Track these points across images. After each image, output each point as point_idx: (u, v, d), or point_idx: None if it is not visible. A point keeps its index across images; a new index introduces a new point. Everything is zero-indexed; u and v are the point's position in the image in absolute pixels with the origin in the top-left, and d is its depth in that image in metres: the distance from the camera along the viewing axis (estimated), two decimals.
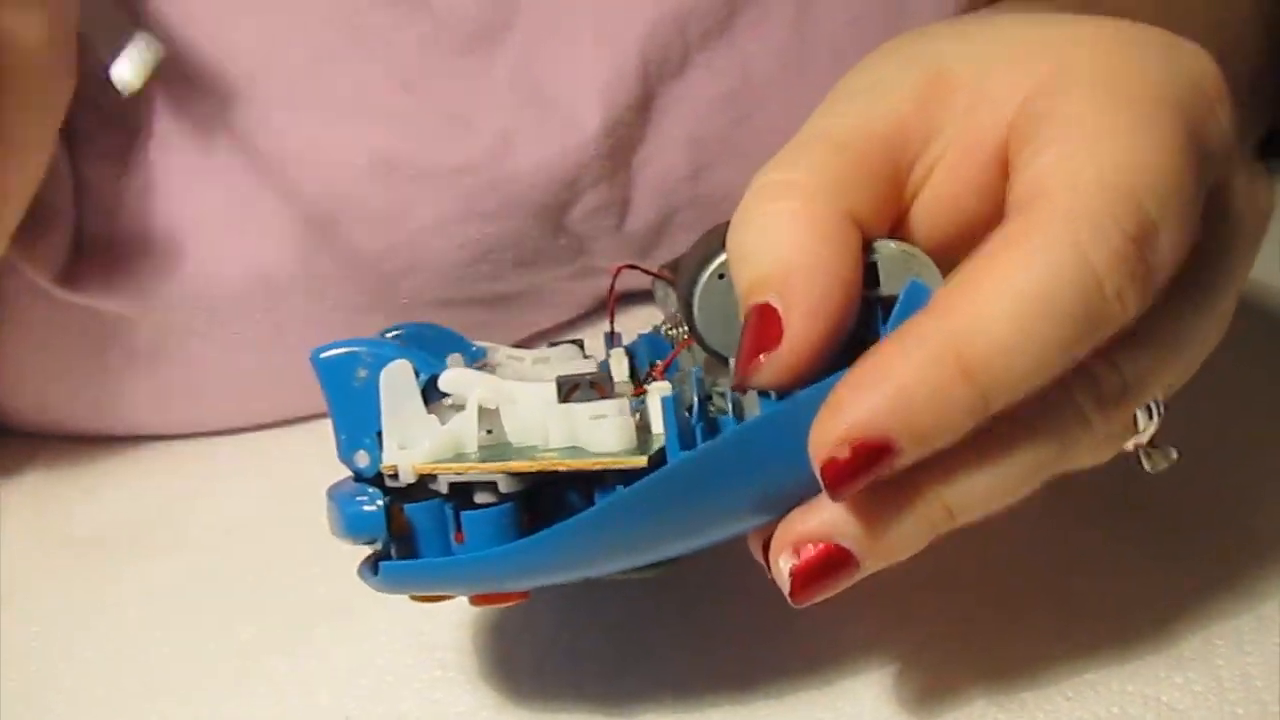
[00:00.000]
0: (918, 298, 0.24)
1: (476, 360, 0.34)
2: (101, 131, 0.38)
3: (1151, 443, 0.27)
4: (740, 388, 0.25)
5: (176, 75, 0.38)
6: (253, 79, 0.39)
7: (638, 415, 0.27)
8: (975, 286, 0.23)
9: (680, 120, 0.41)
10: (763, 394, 0.25)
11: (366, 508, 0.26)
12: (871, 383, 0.23)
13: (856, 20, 0.41)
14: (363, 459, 0.27)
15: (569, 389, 0.27)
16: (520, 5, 0.40)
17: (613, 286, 0.35)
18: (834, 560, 0.25)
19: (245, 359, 0.41)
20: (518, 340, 0.43)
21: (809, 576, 0.25)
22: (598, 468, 0.25)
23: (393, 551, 0.27)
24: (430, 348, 0.34)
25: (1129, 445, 0.27)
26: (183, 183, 0.39)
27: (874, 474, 0.23)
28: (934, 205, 0.27)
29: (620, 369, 0.34)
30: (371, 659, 0.32)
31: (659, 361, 0.30)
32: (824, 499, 0.24)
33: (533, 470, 0.26)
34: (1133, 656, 0.29)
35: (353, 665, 0.32)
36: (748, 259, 0.25)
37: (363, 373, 0.28)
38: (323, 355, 0.28)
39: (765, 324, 0.24)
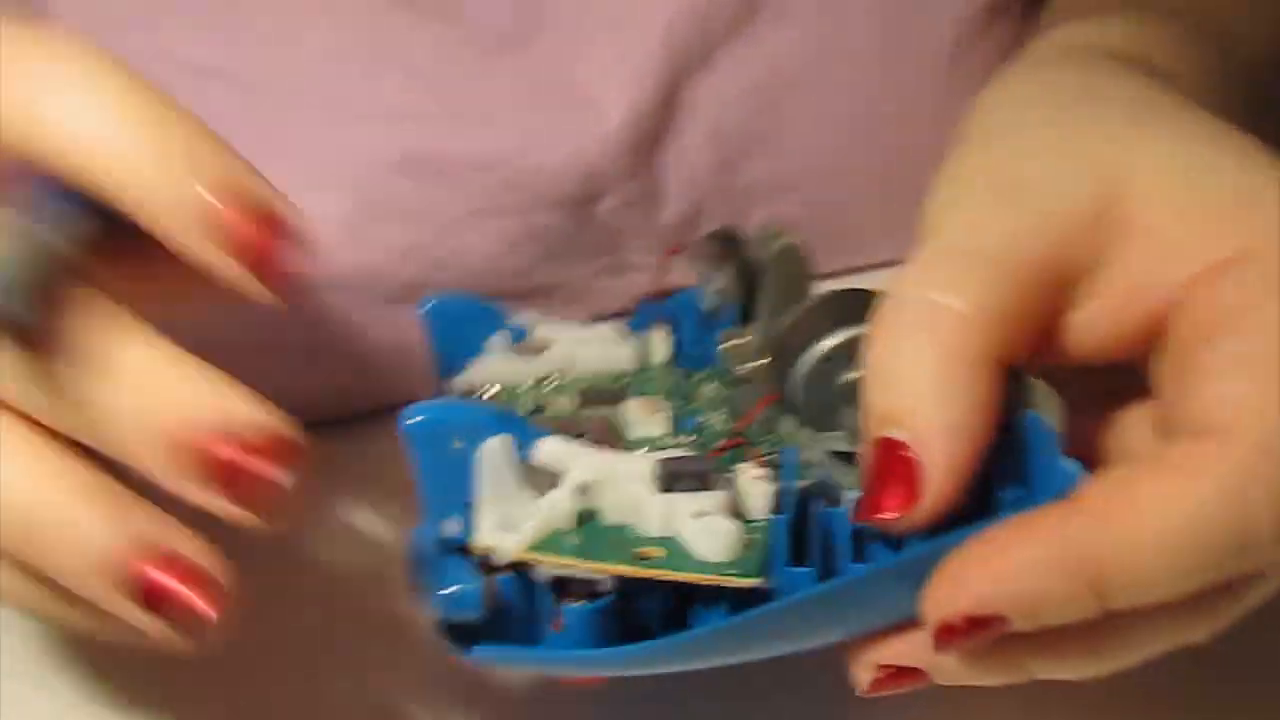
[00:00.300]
0: (1067, 480, 0.24)
1: (519, 341, 0.34)
2: None
3: None
4: (858, 521, 0.25)
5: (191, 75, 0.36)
6: (271, 80, 0.37)
7: (728, 488, 0.27)
8: (1132, 504, 0.23)
9: (707, 113, 0.41)
10: None
11: (464, 589, 0.26)
12: (999, 570, 0.24)
13: (880, 9, 0.40)
14: (454, 527, 0.27)
15: (670, 480, 0.27)
16: (544, 6, 0.39)
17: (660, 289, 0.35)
18: (913, 679, 0.26)
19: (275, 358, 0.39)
20: None
21: (885, 687, 0.26)
22: (707, 581, 0.26)
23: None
24: (468, 322, 0.33)
25: None
26: None
27: (983, 639, 0.24)
28: (1075, 334, 0.26)
29: (663, 346, 0.34)
30: None
31: (735, 426, 0.30)
32: (919, 635, 0.25)
33: (634, 574, 0.26)
34: None
35: None
36: (891, 387, 0.25)
37: (458, 443, 0.27)
38: (411, 423, 0.27)
39: (903, 472, 0.24)
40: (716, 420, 0.31)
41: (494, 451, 0.26)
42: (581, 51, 0.40)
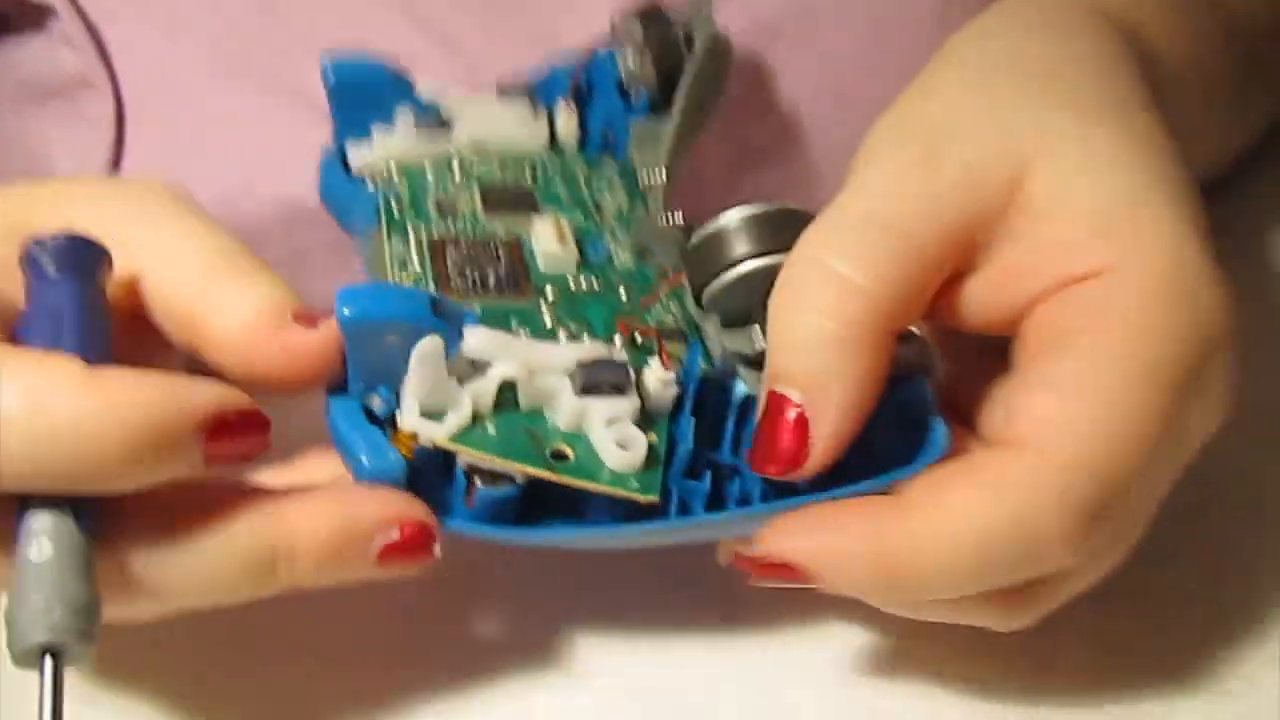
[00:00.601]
0: (935, 449, 0.27)
1: (428, 116, 0.33)
2: None
3: None
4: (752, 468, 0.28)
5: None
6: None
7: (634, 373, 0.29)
8: (941, 508, 0.26)
9: None
10: None
11: (388, 461, 0.28)
12: (814, 547, 0.26)
13: None
14: (377, 402, 0.28)
15: (587, 384, 0.28)
16: None
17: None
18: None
19: None
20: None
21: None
22: (609, 493, 0.28)
23: None
24: (374, 93, 0.32)
25: None
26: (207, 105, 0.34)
27: (784, 584, 0.27)
28: (963, 302, 0.28)
29: (569, 125, 0.34)
30: None
31: (643, 301, 0.31)
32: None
33: (544, 477, 0.28)
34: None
35: None
36: (790, 349, 0.27)
37: (392, 338, 0.27)
38: (347, 313, 0.27)
39: (792, 429, 0.27)
40: (621, 255, 0.32)
41: (426, 352, 0.27)
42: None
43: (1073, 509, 0.26)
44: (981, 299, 0.28)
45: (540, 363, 0.28)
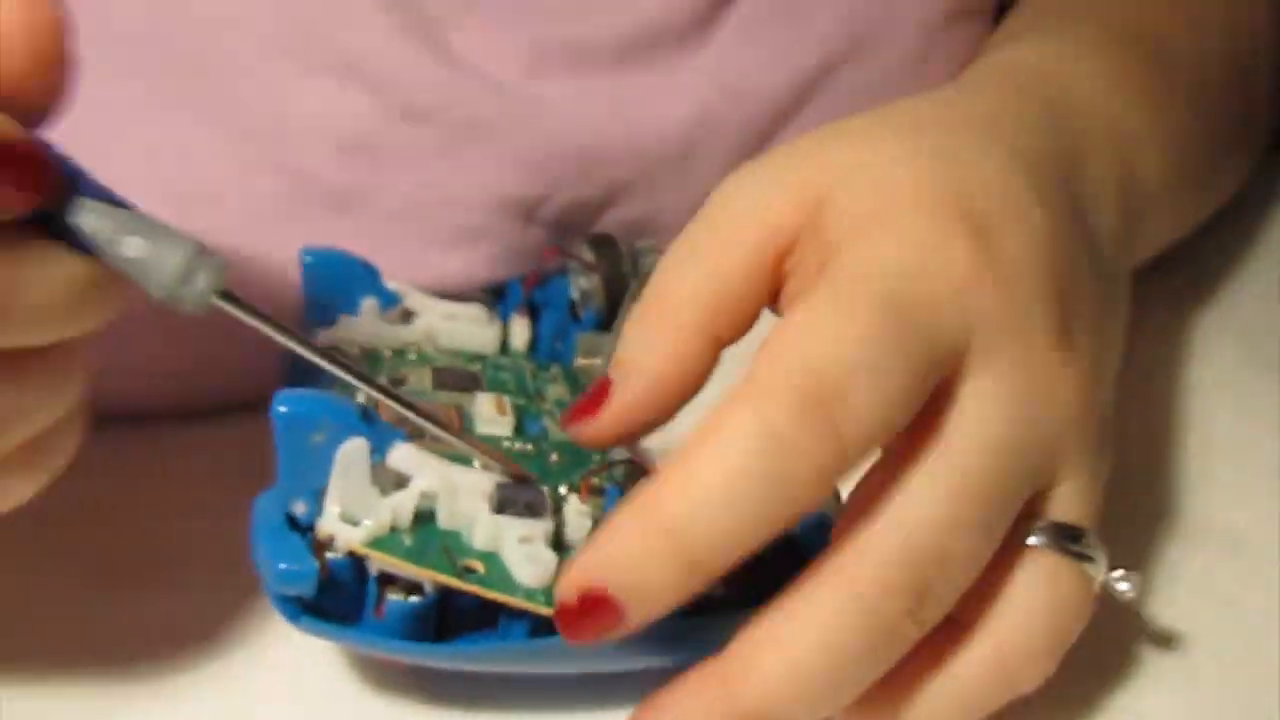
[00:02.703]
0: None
1: (390, 306, 0.36)
2: None
3: (1110, 577, 0.30)
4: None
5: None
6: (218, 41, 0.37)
7: (552, 518, 0.30)
8: (686, 456, 0.26)
9: (666, 115, 0.41)
10: None
11: (303, 568, 0.29)
12: (595, 543, 0.27)
13: (847, 16, 0.41)
14: (300, 508, 0.29)
15: (504, 503, 0.30)
16: None
17: (533, 274, 0.37)
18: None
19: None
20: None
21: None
22: (514, 605, 0.29)
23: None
24: (344, 283, 0.35)
25: (1097, 587, 0.29)
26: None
27: (602, 629, 0.27)
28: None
29: (521, 334, 0.37)
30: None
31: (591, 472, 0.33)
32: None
33: (455, 587, 0.29)
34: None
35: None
36: (625, 343, 0.30)
37: (319, 437, 0.29)
38: (282, 409, 0.29)
39: (596, 397, 0.30)
40: (556, 429, 0.34)
41: (350, 451, 0.29)
42: None
43: (792, 393, 0.26)
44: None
45: (461, 482, 0.30)
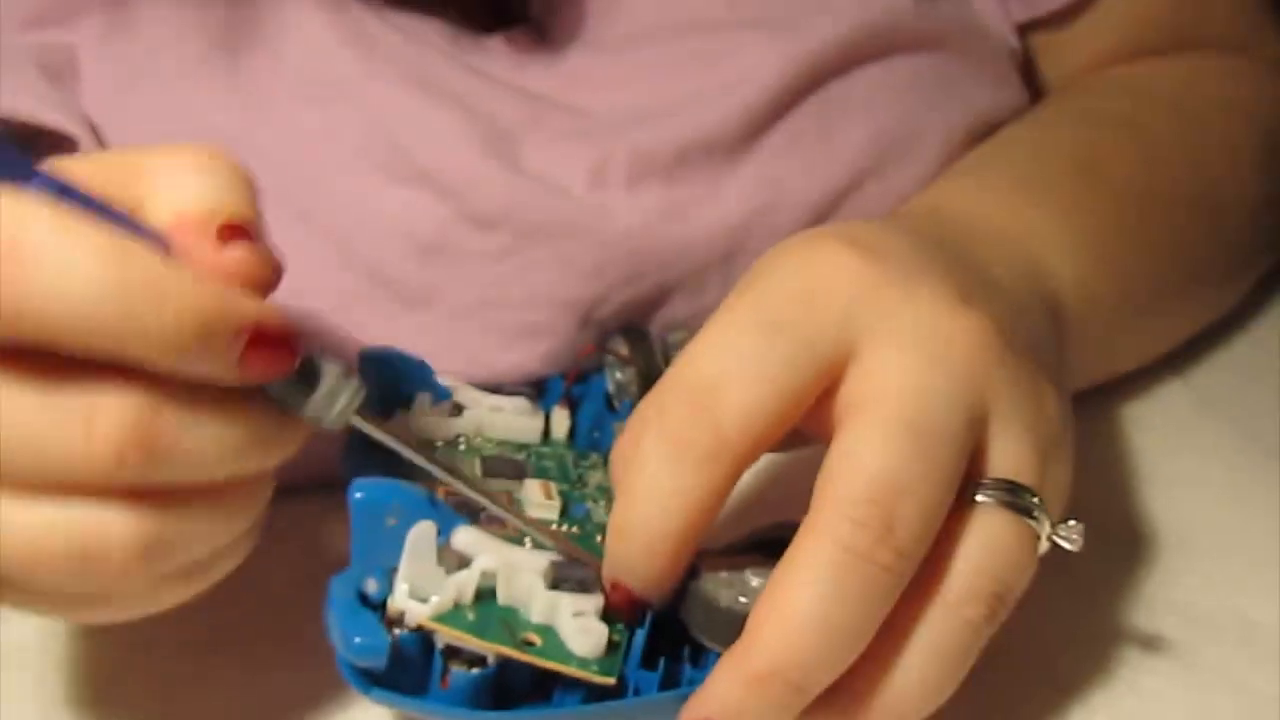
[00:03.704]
0: None
1: (442, 401, 0.39)
2: None
3: (1056, 531, 0.33)
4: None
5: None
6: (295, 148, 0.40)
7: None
8: (771, 609, 0.30)
9: (697, 222, 0.43)
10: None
11: (375, 642, 0.31)
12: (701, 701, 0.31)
13: (874, 139, 0.44)
14: (372, 586, 0.32)
15: (558, 580, 0.32)
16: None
17: (573, 370, 0.40)
18: None
19: None
20: None
21: None
22: (570, 674, 0.31)
23: None
24: (399, 379, 0.38)
25: (1044, 544, 0.33)
26: None
27: None
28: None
29: (562, 424, 0.40)
30: None
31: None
32: None
33: (517, 658, 0.31)
34: None
35: None
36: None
37: (392, 520, 0.32)
38: (358, 495, 0.32)
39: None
40: (600, 511, 0.37)
41: (420, 534, 0.32)
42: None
43: (862, 526, 0.30)
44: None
45: (518, 561, 0.33)
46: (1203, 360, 0.51)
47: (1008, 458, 0.32)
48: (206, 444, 0.29)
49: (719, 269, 0.43)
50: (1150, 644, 0.38)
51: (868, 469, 0.30)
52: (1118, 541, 0.41)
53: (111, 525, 0.28)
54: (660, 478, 0.31)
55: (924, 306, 0.32)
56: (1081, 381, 0.42)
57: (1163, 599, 0.40)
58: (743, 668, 0.30)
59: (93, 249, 0.26)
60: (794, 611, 0.30)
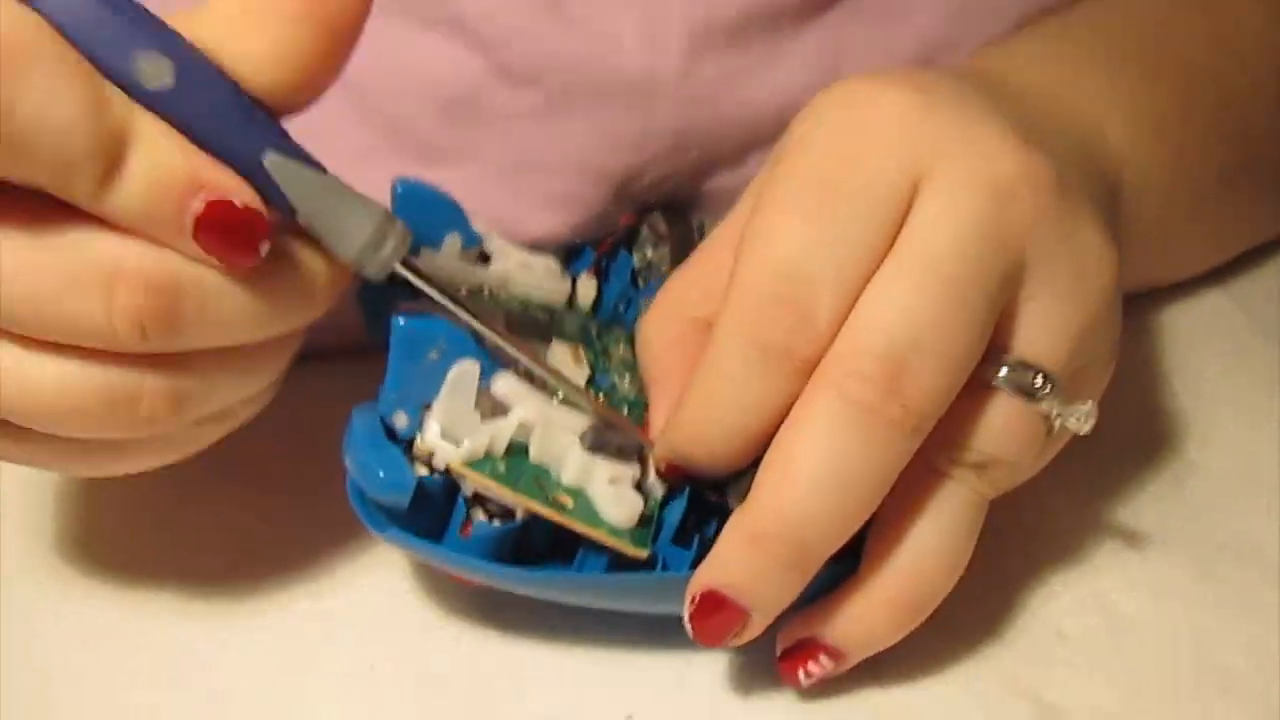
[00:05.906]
0: None
1: (472, 246, 0.37)
2: None
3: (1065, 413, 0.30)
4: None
5: None
6: None
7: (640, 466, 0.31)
8: (771, 465, 0.29)
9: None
10: None
11: (401, 478, 0.29)
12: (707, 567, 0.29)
13: (948, 11, 0.42)
14: (402, 420, 0.30)
15: (596, 444, 0.31)
16: None
17: (608, 239, 0.38)
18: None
19: None
20: None
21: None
22: (602, 541, 0.30)
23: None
24: (432, 212, 0.36)
25: (1055, 426, 0.31)
26: None
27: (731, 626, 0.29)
28: None
29: (588, 293, 0.38)
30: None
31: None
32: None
33: (547, 516, 0.30)
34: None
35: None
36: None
37: (435, 355, 0.30)
38: (401, 322, 0.30)
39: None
40: (624, 385, 0.35)
41: (462, 372, 0.30)
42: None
43: (867, 378, 0.28)
44: None
45: (557, 418, 0.31)
46: (1258, 286, 0.48)
47: (1036, 337, 0.30)
48: (231, 313, 0.28)
49: (763, 146, 0.41)
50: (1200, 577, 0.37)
51: (880, 319, 0.28)
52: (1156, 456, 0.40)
53: (140, 380, 0.28)
54: (749, 380, 0.29)
55: (988, 148, 0.30)
56: (1129, 279, 0.41)
57: (1218, 531, 0.38)
58: (744, 527, 0.29)
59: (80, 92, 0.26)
60: (794, 467, 0.28)
